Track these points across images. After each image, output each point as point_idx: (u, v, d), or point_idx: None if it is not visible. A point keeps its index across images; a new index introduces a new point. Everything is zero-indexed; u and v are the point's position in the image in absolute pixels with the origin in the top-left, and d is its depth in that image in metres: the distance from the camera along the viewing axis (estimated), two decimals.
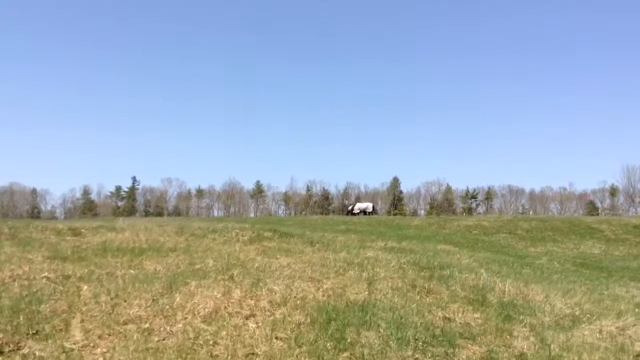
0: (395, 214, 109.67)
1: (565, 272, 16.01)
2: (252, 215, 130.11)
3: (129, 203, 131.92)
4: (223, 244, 11.01)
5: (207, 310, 5.81)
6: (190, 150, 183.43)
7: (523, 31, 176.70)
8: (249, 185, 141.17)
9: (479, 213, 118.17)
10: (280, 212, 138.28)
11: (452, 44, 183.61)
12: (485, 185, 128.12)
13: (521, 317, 7.15)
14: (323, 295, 7.02)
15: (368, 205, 58.59)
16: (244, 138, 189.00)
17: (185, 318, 5.61)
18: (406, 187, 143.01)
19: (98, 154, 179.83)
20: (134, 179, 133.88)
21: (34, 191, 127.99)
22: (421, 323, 6.26)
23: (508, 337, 6.31)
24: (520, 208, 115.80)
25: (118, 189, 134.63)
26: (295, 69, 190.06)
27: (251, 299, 6.46)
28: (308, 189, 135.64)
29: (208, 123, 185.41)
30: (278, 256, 9.76)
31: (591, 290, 10.29)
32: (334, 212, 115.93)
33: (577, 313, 7.75)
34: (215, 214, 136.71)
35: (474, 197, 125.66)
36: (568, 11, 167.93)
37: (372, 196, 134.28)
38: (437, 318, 6.69)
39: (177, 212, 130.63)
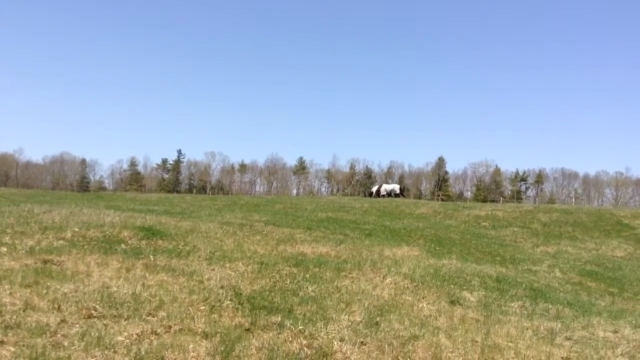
0: (439, 196, 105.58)
1: (557, 288, 13.00)
2: (294, 192, 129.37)
3: (173, 176, 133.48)
4: None
5: None
6: (233, 126, 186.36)
7: None
8: (291, 161, 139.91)
9: (528, 197, 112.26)
10: (323, 189, 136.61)
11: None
12: (536, 168, 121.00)
13: None
14: None
15: (395, 187, 55.32)
16: (287, 115, 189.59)
17: None
18: (452, 167, 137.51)
19: (145, 127, 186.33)
20: (179, 152, 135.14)
21: (83, 161, 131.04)
22: None
23: None
24: (573, 193, 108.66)
25: (164, 161, 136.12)
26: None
27: None
28: (351, 167, 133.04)
29: (250, 101, 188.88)
30: None
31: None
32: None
33: None
34: (258, 189, 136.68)
35: (523, 179, 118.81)
36: None
37: (416, 176, 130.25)
38: None
39: (220, 187, 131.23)
